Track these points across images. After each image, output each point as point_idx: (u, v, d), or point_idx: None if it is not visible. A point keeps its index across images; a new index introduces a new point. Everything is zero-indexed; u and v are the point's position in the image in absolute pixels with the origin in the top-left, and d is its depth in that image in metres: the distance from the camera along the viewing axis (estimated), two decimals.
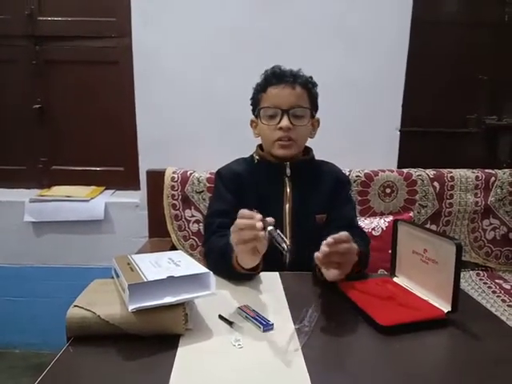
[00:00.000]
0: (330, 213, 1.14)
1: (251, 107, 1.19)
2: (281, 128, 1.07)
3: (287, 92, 1.08)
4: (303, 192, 1.14)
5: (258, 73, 1.15)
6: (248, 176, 1.16)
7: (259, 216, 0.80)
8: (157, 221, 1.69)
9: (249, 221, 0.80)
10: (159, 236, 1.71)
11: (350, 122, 1.76)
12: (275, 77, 1.10)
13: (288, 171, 1.13)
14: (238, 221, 0.82)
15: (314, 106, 1.15)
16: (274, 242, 0.78)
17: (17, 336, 1.92)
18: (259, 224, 0.78)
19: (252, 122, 1.20)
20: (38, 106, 1.89)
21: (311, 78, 1.14)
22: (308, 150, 1.19)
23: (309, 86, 1.12)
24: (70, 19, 1.82)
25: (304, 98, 1.11)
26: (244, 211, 0.82)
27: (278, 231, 0.78)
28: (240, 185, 1.14)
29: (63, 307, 0.70)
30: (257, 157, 1.18)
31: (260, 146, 1.20)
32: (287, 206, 1.13)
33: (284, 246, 0.76)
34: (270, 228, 0.78)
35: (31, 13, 1.80)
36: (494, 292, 1.55)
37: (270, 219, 0.81)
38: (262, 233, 0.78)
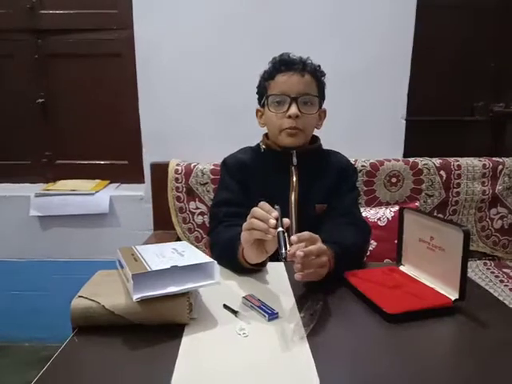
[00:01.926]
0: (331, 202, 1.12)
1: (257, 95, 1.16)
2: (289, 116, 1.05)
3: (296, 79, 1.06)
4: (309, 181, 1.12)
5: (260, 64, 1.13)
6: (254, 165, 1.14)
7: (276, 214, 0.78)
8: (161, 213, 1.69)
9: (264, 213, 0.78)
10: (164, 229, 1.71)
11: (356, 111, 1.74)
12: (284, 64, 1.08)
13: (294, 160, 1.11)
14: (253, 220, 0.80)
15: (321, 96, 1.13)
16: (277, 242, 0.76)
17: (24, 330, 1.94)
18: (272, 221, 0.76)
19: (257, 111, 1.18)
20: (41, 100, 1.89)
21: (319, 66, 1.12)
22: (315, 139, 1.17)
23: (317, 75, 1.10)
24: (71, 12, 1.82)
25: (313, 87, 1.09)
26: (263, 204, 0.81)
27: (286, 235, 0.75)
28: (246, 174, 1.13)
29: (69, 300, 0.70)
30: (263, 146, 1.16)
31: (266, 135, 1.18)
32: (293, 195, 1.11)
33: (283, 251, 0.73)
34: (279, 229, 0.76)
35: (32, 6, 1.80)
36: (501, 281, 1.53)
37: (286, 221, 0.78)
38: (273, 230, 0.76)
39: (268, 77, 1.10)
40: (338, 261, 0.88)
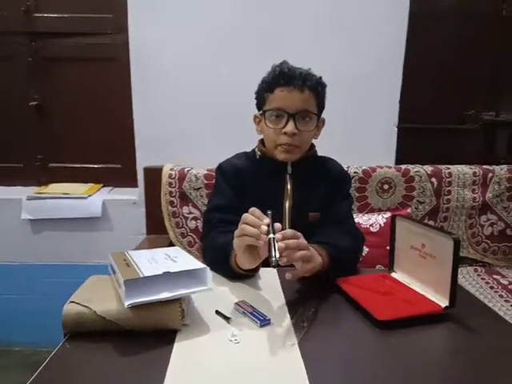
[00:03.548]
0: (325, 209, 1.12)
1: (255, 101, 1.15)
2: (285, 133, 1.04)
3: (295, 96, 1.04)
4: (304, 189, 1.12)
5: (256, 68, 1.12)
6: (249, 171, 1.14)
7: (267, 220, 0.79)
8: (154, 218, 1.69)
9: (256, 219, 0.79)
10: (157, 233, 1.71)
11: (348, 118, 1.76)
12: (283, 78, 1.05)
13: (289, 169, 1.11)
14: (244, 226, 0.80)
15: (320, 110, 1.12)
16: (268, 249, 0.76)
17: (15, 334, 1.92)
18: (264, 227, 0.77)
19: (255, 117, 1.16)
20: (34, 103, 1.88)
21: (320, 78, 1.09)
22: (310, 147, 1.16)
23: (318, 89, 1.08)
24: (66, 15, 1.82)
25: (312, 103, 1.07)
26: (254, 210, 0.82)
27: (275, 242, 0.76)
28: (241, 180, 1.13)
29: (61, 304, 0.70)
30: (259, 152, 1.16)
31: (262, 141, 1.17)
32: (287, 203, 1.11)
33: (273, 259, 0.73)
34: (271, 236, 0.76)
35: (27, 9, 1.79)
36: (491, 287, 1.55)
37: (277, 226, 0.79)
38: (264, 236, 0.77)
39: (267, 88, 1.08)
40: (332, 262, 0.90)
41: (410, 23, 1.70)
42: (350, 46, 1.72)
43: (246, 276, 0.93)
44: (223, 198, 1.12)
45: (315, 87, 1.07)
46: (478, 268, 1.73)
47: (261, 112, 1.12)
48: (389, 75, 1.74)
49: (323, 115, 1.16)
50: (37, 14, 1.81)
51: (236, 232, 0.83)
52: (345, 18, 1.70)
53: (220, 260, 0.94)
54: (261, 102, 1.12)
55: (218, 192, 1.16)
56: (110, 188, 1.95)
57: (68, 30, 1.82)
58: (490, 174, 1.73)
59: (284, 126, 1.04)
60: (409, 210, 1.69)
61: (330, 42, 1.71)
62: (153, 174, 1.69)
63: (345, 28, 1.71)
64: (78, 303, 0.69)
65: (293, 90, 1.04)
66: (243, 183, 1.12)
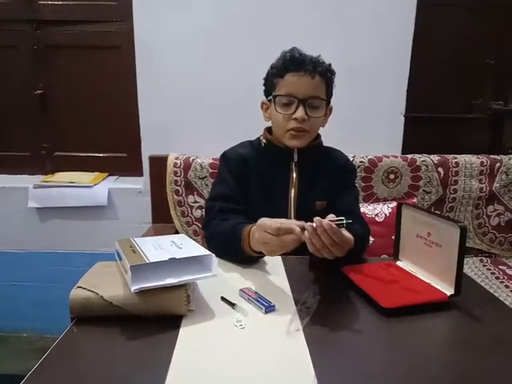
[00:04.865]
0: (332, 199, 1.12)
1: (263, 87, 1.13)
2: (295, 118, 1.04)
3: (306, 81, 1.03)
4: (309, 178, 1.12)
5: (261, 59, 1.12)
6: (254, 160, 1.13)
7: (298, 229, 0.78)
8: (160, 207, 1.70)
9: (293, 236, 0.79)
10: (162, 222, 1.71)
11: (355, 107, 1.74)
12: (294, 63, 1.04)
13: (295, 157, 1.11)
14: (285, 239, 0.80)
15: (329, 96, 1.11)
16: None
17: (22, 320, 1.95)
18: (306, 234, 0.78)
19: (263, 103, 1.15)
20: (39, 91, 1.88)
21: (330, 65, 1.09)
22: (316, 136, 1.16)
23: (328, 76, 1.07)
24: (70, 3, 1.81)
25: (321, 89, 1.06)
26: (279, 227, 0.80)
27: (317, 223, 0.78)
28: (245, 168, 1.12)
29: (67, 292, 0.70)
30: (264, 140, 1.15)
31: (268, 129, 1.16)
32: (293, 191, 1.11)
33: (343, 222, 0.79)
34: (308, 225, 0.78)
35: None
36: (497, 278, 1.54)
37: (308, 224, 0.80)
38: (306, 233, 0.79)
39: (277, 73, 1.07)
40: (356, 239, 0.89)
41: (419, 11, 1.67)
42: (358, 36, 1.70)
43: (254, 260, 0.93)
44: (225, 186, 1.11)
45: (325, 73, 1.06)
46: (483, 258, 1.72)
47: (269, 98, 1.11)
48: (396, 63, 1.72)
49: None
50: (41, 2, 1.80)
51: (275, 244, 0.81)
52: (352, 8, 1.67)
53: (228, 244, 0.94)
54: (270, 88, 1.10)
55: (220, 180, 1.15)
56: (116, 177, 1.96)
57: (72, 17, 1.81)
58: (498, 164, 1.71)
59: (294, 112, 1.04)
60: (415, 200, 1.68)
61: (336, 31, 1.69)
62: (158, 163, 1.69)
63: (352, 17, 1.68)
64: (85, 288, 0.70)
65: (303, 76, 1.03)
66: (247, 171, 1.12)
